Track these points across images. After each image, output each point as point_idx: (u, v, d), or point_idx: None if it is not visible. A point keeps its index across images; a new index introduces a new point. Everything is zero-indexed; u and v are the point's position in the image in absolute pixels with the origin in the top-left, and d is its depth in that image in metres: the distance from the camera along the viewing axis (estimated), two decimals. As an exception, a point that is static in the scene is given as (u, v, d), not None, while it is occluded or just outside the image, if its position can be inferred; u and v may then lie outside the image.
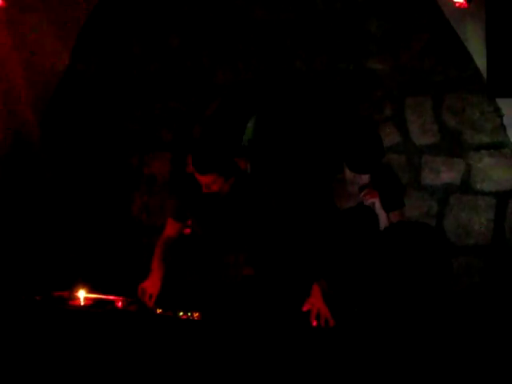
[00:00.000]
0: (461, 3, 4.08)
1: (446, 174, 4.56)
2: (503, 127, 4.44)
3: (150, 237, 5.04)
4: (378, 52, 4.65)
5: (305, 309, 3.37)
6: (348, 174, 3.73)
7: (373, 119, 4.66)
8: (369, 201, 3.72)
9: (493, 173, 4.47)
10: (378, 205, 3.73)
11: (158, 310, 3.62)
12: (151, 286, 3.71)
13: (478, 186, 4.52)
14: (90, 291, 3.81)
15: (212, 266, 3.87)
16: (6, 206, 4.91)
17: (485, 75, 4.27)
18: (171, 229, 3.92)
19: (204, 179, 3.57)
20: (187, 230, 3.99)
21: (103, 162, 5.18)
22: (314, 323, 3.33)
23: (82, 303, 3.72)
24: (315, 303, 3.38)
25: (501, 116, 4.42)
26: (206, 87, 5.01)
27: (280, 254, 3.74)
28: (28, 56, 4.71)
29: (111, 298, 3.74)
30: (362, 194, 3.73)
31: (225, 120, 5.05)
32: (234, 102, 5.10)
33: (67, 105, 5.21)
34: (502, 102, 4.38)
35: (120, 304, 3.68)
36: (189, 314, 3.60)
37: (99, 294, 3.79)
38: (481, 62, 4.34)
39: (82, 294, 3.76)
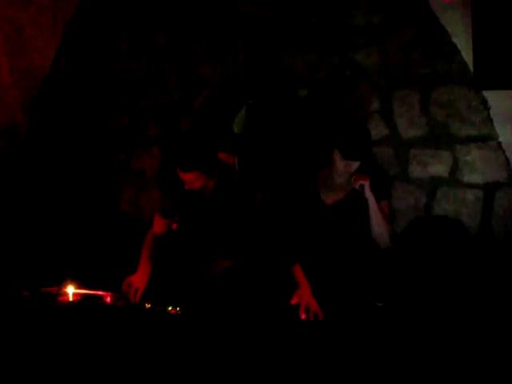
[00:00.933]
0: (447, -3, 4.09)
1: (434, 166, 4.57)
2: (490, 120, 4.45)
3: (138, 232, 5.02)
4: (365, 45, 4.65)
5: (293, 302, 3.37)
6: (338, 164, 3.71)
7: (359, 113, 4.67)
8: (358, 183, 3.72)
9: (480, 165, 4.48)
10: (367, 188, 3.72)
11: (147, 305, 3.62)
12: (138, 280, 3.72)
13: (466, 179, 4.53)
14: (79, 287, 3.80)
15: (196, 260, 3.88)
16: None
17: (471, 68, 4.29)
18: (158, 225, 3.92)
19: (185, 177, 3.56)
20: (174, 225, 3.99)
21: (91, 157, 5.17)
22: (303, 316, 3.33)
23: (71, 299, 3.72)
24: (303, 296, 3.38)
25: (488, 108, 4.43)
26: (193, 82, 5.00)
27: (261, 245, 3.74)
28: (14, 53, 4.69)
29: (100, 293, 3.74)
30: (354, 177, 3.73)
31: (209, 116, 5.05)
32: (219, 97, 5.10)
33: (54, 101, 5.20)
34: (489, 94, 4.40)
35: (109, 299, 3.69)
36: (178, 308, 3.61)
37: (88, 290, 3.79)
38: (467, 54, 4.35)
39: (70, 290, 3.76)
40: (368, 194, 3.72)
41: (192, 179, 3.57)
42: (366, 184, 3.71)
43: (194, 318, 3.44)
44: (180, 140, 3.79)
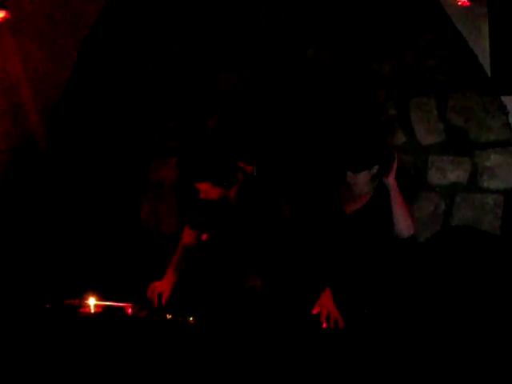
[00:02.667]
0: (463, 1, 4.08)
1: (453, 173, 4.55)
2: (509, 125, 4.43)
3: (158, 243, 5.06)
4: (382, 53, 4.65)
5: (315, 311, 3.37)
6: (347, 176, 3.69)
7: (377, 120, 4.66)
8: (389, 179, 3.66)
9: (500, 171, 4.47)
10: (390, 175, 3.62)
11: (168, 316, 3.63)
12: (162, 285, 3.74)
13: (485, 185, 4.51)
14: (100, 298, 3.82)
15: (223, 273, 3.88)
16: (13, 213, 4.93)
17: (489, 73, 4.27)
18: (188, 237, 3.95)
19: (200, 186, 3.57)
20: (204, 237, 3.99)
21: (110, 167, 5.19)
22: (324, 325, 3.32)
23: (93, 310, 3.73)
24: (325, 305, 3.37)
25: (506, 114, 4.42)
26: (210, 93, 5.02)
27: (287, 262, 3.73)
28: (33, 63, 4.72)
29: (121, 304, 3.75)
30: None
31: (224, 128, 5.04)
32: (236, 109, 5.09)
33: (73, 111, 5.22)
34: (507, 100, 4.38)
35: (130, 310, 3.69)
36: (191, 318, 3.61)
37: (109, 301, 3.80)
38: (485, 60, 4.33)
39: (92, 302, 3.77)
40: (389, 181, 3.58)
41: (205, 189, 3.57)
42: (392, 182, 3.61)
43: (217, 330, 3.44)
44: (193, 150, 3.79)
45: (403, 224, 3.66)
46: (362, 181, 3.66)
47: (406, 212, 3.64)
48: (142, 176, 5.14)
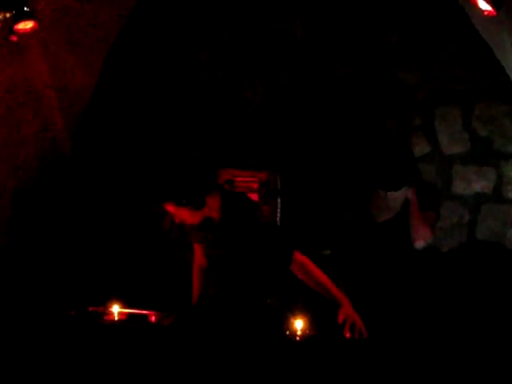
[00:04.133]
0: (489, 11, 4.05)
1: (478, 183, 4.53)
2: (534, 135, 4.41)
3: (181, 250, 5.07)
4: (407, 62, 4.64)
5: (340, 320, 3.34)
6: (382, 195, 3.69)
7: (401, 132, 4.65)
8: (397, 194, 3.67)
9: (525, 181, 4.45)
10: (410, 193, 3.65)
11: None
12: None
13: (510, 195, 4.48)
14: (124, 306, 3.83)
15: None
16: (40, 221, 4.97)
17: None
18: (198, 253, 3.92)
19: (169, 209, 3.42)
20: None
21: (134, 175, 5.21)
22: (348, 335, 3.31)
23: (117, 318, 3.74)
24: (350, 315, 3.34)
25: (532, 124, 4.40)
26: (235, 102, 5.03)
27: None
28: (60, 71, 4.76)
29: (145, 312, 3.76)
30: None
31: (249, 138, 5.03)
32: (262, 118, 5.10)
33: (99, 118, 5.26)
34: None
35: (153, 318, 3.70)
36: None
37: (133, 309, 3.82)
38: (510, 70, 4.32)
39: (116, 309, 3.78)
40: (411, 197, 3.64)
41: (174, 212, 3.42)
42: (410, 190, 3.64)
43: (233, 341, 3.43)
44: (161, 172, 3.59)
45: (416, 231, 3.67)
46: (400, 196, 3.66)
47: (421, 225, 3.65)
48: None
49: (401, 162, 3.65)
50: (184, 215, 3.43)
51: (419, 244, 3.71)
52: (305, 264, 3.50)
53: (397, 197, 3.66)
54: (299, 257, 3.52)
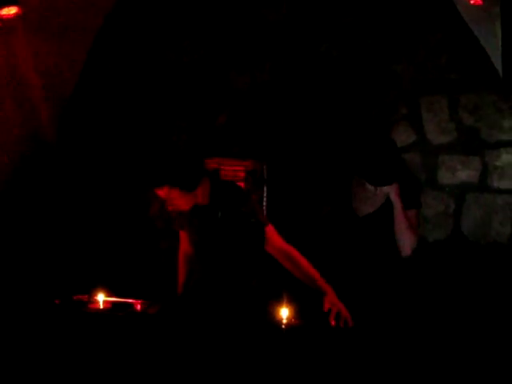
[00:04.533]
0: (476, 1, 4.06)
1: (463, 172, 4.54)
2: (520, 124, 4.42)
3: (167, 240, 5.06)
4: (393, 52, 4.64)
5: (326, 309, 3.35)
6: (368, 187, 3.70)
7: (386, 121, 4.65)
8: (385, 189, 3.68)
9: (510, 170, 4.45)
10: (394, 193, 3.65)
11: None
12: None
13: (496, 184, 4.50)
14: (109, 294, 3.82)
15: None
16: (23, 208, 4.94)
17: (501, 73, 4.25)
18: (184, 240, 3.89)
19: (160, 194, 3.40)
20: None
21: (119, 163, 5.19)
22: (333, 323, 3.31)
23: (102, 306, 3.73)
24: (335, 303, 3.35)
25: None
26: (220, 90, 5.01)
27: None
28: (44, 59, 4.73)
29: (130, 301, 3.75)
30: None
31: (234, 126, 5.01)
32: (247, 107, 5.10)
33: (83, 106, 5.23)
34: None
35: (139, 307, 3.69)
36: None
37: (118, 298, 3.81)
38: (497, 59, 4.32)
39: (101, 298, 3.77)
40: (394, 199, 3.66)
41: (166, 196, 3.39)
42: (394, 189, 3.66)
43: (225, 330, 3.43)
44: (151, 155, 3.52)
45: (401, 245, 3.70)
46: (387, 190, 3.66)
47: (407, 231, 3.66)
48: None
49: (392, 156, 3.65)
50: (175, 199, 3.40)
51: (406, 253, 3.73)
52: (290, 253, 3.51)
53: (384, 191, 3.67)
54: (284, 246, 3.53)
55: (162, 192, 3.39)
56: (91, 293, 3.81)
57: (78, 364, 3.52)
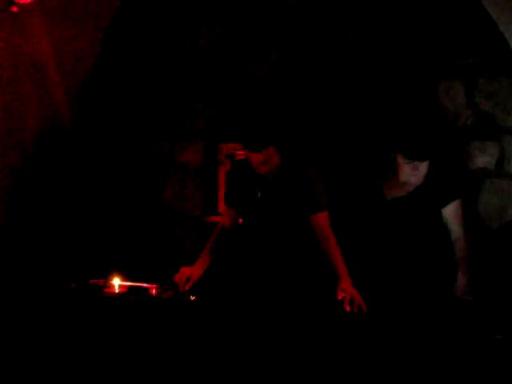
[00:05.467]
0: (493, -15, 4.02)
1: (480, 158, 4.50)
2: (538, 110, 4.38)
3: (182, 225, 5.08)
4: (408, 36, 4.60)
5: (340, 297, 3.36)
6: (404, 167, 3.65)
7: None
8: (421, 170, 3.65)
9: (527, 156, 4.42)
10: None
11: (192, 297, 3.64)
12: (191, 271, 3.71)
13: (512, 170, 4.46)
14: (125, 279, 3.85)
15: (255, 253, 3.86)
16: (41, 196, 4.98)
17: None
18: (226, 216, 3.94)
19: (262, 157, 3.55)
20: (240, 220, 3.98)
21: (135, 149, 5.21)
22: (348, 309, 3.32)
23: (117, 290, 3.76)
24: (348, 289, 3.37)
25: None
26: (237, 77, 5.00)
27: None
28: (61, 44, 4.74)
29: (145, 285, 3.78)
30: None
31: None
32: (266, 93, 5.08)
33: (99, 93, 5.25)
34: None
35: (154, 291, 3.72)
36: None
37: (134, 282, 3.83)
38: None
39: (116, 282, 3.80)
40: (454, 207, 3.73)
41: (262, 160, 3.56)
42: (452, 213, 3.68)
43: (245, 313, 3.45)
44: (243, 122, 3.69)
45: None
46: (423, 170, 3.63)
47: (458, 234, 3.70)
48: (167, 158, 5.15)
49: (432, 130, 3.63)
50: (272, 157, 3.59)
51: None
52: (324, 228, 3.63)
53: (423, 171, 3.60)
54: (323, 220, 3.64)
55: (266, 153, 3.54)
56: (107, 277, 3.84)
57: (93, 347, 3.55)
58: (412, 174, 3.67)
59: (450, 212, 3.74)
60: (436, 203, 3.72)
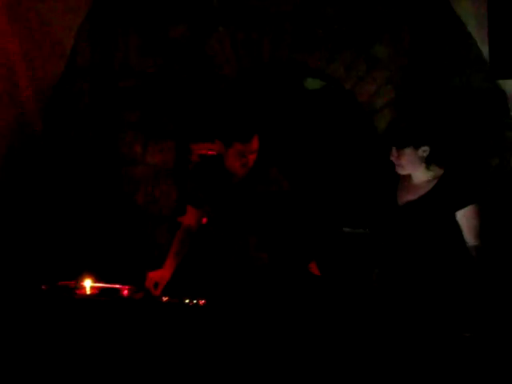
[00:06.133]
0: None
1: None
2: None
3: (155, 226, 5.07)
4: (379, 36, 4.64)
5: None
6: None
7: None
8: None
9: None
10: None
11: (164, 298, 3.63)
12: (160, 275, 3.68)
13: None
14: (96, 280, 3.82)
15: (229, 250, 3.82)
16: (10, 197, 4.93)
17: (487, 58, 4.26)
18: (190, 216, 3.89)
19: (253, 146, 3.55)
20: (204, 220, 3.95)
21: (106, 151, 5.17)
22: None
23: (89, 292, 3.73)
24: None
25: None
26: (208, 76, 5.00)
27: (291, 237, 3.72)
28: (31, 46, 4.71)
29: (117, 286, 3.75)
30: None
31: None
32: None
33: (69, 95, 5.20)
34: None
35: (126, 292, 3.69)
36: (195, 301, 3.61)
37: (105, 283, 3.81)
38: (484, 44, 4.32)
39: (88, 284, 3.77)
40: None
41: (254, 149, 3.55)
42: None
43: (219, 311, 3.44)
44: (227, 116, 3.72)
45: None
46: (405, 160, 3.46)
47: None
48: (139, 159, 5.13)
49: (416, 119, 3.52)
50: (253, 152, 3.59)
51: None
52: None
53: (405, 161, 3.45)
54: None
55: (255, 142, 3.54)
56: (78, 279, 3.81)
57: (64, 349, 3.52)
58: (395, 161, 3.57)
59: (462, 219, 3.42)
60: (447, 208, 3.43)
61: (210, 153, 4.67)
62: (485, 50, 4.27)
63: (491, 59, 4.09)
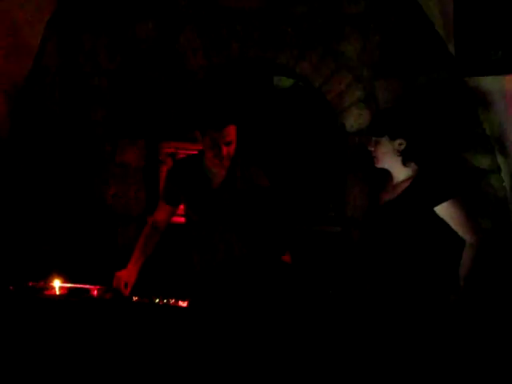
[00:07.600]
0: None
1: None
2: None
3: (124, 225, 5.04)
4: (348, 34, 4.67)
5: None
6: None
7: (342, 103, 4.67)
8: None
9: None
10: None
11: (135, 298, 3.62)
12: (127, 274, 3.65)
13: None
14: (65, 281, 3.80)
15: (208, 247, 3.75)
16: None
17: (454, 55, 4.30)
18: (161, 212, 3.84)
19: (227, 136, 3.48)
20: (180, 219, 3.89)
21: (75, 151, 5.13)
22: None
23: (58, 292, 3.71)
24: None
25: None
26: (178, 73, 4.98)
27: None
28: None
29: (86, 286, 3.74)
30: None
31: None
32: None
33: (37, 96, 5.15)
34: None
35: (95, 292, 3.68)
36: (165, 300, 3.60)
37: (74, 284, 3.79)
38: (449, 42, 4.36)
39: (57, 284, 3.75)
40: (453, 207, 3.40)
41: (233, 136, 3.49)
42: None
43: (198, 311, 3.44)
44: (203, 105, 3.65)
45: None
46: (381, 151, 3.46)
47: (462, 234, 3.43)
48: (108, 158, 5.10)
49: (394, 111, 3.57)
50: (233, 141, 3.53)
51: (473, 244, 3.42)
52: None
53: (380, 151, 3.47)
54: None
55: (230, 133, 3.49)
56: (47, 279, 3.79)
57: (33, 349, 3.50)
58: (371, 150, 3.55)
59: (444, 215, 3.40)
60: (423, 204, 3.42)
61: (179, 152, 4.67)
62: (451, 47, 4.30)
63: (457, 57, 4.12)
